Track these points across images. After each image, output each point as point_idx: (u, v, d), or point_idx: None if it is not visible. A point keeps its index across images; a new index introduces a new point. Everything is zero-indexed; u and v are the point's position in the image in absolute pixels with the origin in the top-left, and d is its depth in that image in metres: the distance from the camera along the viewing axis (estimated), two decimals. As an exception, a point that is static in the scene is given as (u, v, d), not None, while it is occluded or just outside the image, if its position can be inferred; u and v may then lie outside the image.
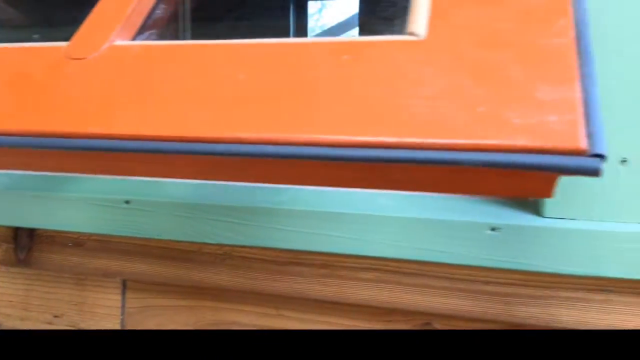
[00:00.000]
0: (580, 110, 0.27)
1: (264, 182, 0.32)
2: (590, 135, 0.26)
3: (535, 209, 0.53)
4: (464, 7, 0.33)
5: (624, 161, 0.50)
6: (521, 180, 0.27)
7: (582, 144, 0.25)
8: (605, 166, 0.50)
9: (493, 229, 0.52)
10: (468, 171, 0.27)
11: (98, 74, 0.35)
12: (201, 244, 0.61)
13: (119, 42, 0.38)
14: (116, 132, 0.31)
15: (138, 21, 0.40)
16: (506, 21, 0.32)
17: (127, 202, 0.61)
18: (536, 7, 0.32)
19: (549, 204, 0.52)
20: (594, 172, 0.25)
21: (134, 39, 0.40)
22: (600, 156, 0.25)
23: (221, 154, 0.29)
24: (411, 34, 0.33)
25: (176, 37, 0.45)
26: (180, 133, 0.31)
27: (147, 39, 0.40)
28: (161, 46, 0.36)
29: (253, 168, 0.31)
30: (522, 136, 0.26)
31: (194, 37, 0.48)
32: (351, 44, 0.33)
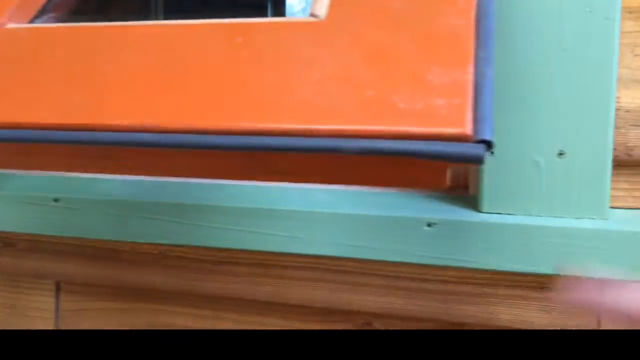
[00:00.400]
0: (469, 94, 0.25)
1: (141, 174, 0.30)
2: (477, 121, 0.24)
3: (473, 204, 0.52)
4: (368, -12, 0.32)
5: (561, 154, 0.48)
6: (409, 169, 0.26)
7: (467, 129, 0.24)
8: (542, 159, 0.49)
9: (429, 225, 0.50)
10: (354, 160, 0.26)
11: (-19, 59, 0.33)
12: (135, 243, 0.59)
13: (11, 26, 0.36)
14: (-10, 120, 0.29)
15: (36, 4, 0.38)
16: (407, 1, 0.30)
17: (55, 200, 0.58)
18: (441, -12, 0.30)
19: (486, 199, 0.50)
20: (477, 160, 0.23)
21: (30, 22, 0.37)
22: (487, 143, 0.24)
23: (94, 142, 0.27)
24: (312, 15, 0.31)
25: (87, 18, 0.43)
26: (58, 120, 0.28)
27: (46, 22, 0.38)
28: (52, 29, 0.34)
29: (132, 158, 0.29)
30: (406, 121, 0.24)
31: (110, 17, 0.45)
32: (247, 26, 0.31)
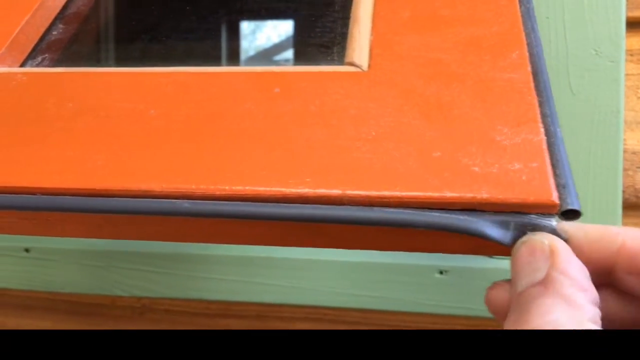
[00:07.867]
0: (546, 156, 0.23)
1: (178, 240, 0.27)
2: (560, 187, 0.22)
3: (482, 249, 0.50)
4: (409, 35, 0.30)
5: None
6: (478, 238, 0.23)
7: (554, 197, 0.22)
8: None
9: (441, 272, 0.48)
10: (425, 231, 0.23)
11: (-30, 109, 0.28)
12: (115, 297, 0.54)
13: (3, 69, 0.31)
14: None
15: (28, 44, 0.34)
16: (456, 52, 0.28)
17: (26, 250, 0.52)
18: (488, 37, 0.29)
19: (496, 244, 0.49)
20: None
21: (22, 65, 0.33)
22: (575, 212, 0.22)
23: (123, 211, 0.24)
24: (351, 64, 0.29)
25: (86, 60, 0.39)
26: (78, 184, 0.24)
27: (40, 64, 0.33)
28: (56, 74, 0.30)
29: (165, 225, 0.25)
30: (485, 188, 0.22)
31: (112, 61, 0.42)
32: (283, 75, 0.28)
